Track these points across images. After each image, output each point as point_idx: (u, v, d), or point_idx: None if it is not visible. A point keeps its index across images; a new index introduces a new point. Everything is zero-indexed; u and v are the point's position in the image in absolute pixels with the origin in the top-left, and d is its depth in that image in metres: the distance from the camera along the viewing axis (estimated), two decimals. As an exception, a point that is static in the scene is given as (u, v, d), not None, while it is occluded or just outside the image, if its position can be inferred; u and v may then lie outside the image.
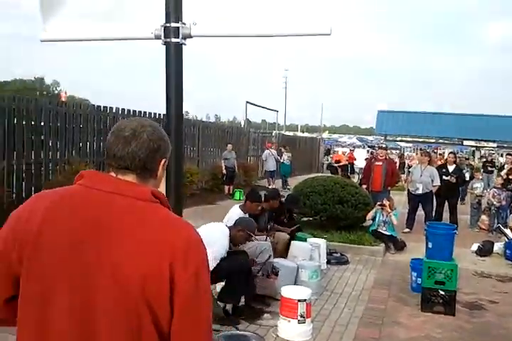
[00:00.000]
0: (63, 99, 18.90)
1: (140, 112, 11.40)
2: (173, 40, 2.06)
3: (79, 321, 1.15)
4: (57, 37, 2.33)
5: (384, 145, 10.44)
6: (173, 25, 2.04)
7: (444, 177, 9.47)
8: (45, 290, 1.17)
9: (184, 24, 2.05)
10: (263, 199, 6.23)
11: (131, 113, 11.12)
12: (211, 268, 4.12)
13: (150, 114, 11.78)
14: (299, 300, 4.12)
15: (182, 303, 1.19)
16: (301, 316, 4.12)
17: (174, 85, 2.56)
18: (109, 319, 1.16)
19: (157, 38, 2.09)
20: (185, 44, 2.11)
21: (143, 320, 1.16)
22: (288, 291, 4.23)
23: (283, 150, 17.30)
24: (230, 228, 4.52)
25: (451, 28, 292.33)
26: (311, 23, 2.02)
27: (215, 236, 4.32)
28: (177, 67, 2.27)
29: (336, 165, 21.17)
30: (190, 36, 2.09)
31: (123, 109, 10.95)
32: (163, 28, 2.05)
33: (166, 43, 2.08)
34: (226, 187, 13.41)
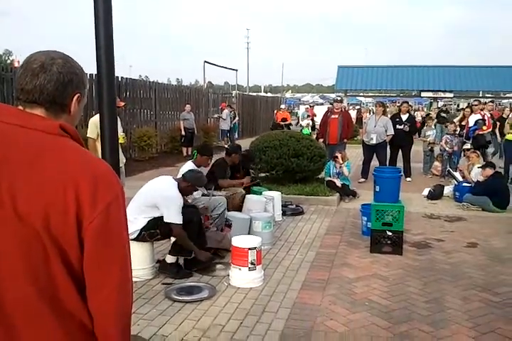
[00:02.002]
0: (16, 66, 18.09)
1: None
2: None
3: None
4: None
5: (339, 99, 10.40)
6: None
7: (397, 126, 9.60)
8: None
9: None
10: (225, 153, 6.49)
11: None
12: (179, 219, 4.15)
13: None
14: (249, 249, 4.18)
15: (91, 243, 1.16)
16: (252, 263, 4.19)
17: (103, 23, 2.49)
18: (10, 252, 1.12)
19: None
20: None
21: (49, 256, 1.14)
22: (238, 240, 4.28)
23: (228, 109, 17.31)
24: (178, 181, 4.48)
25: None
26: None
27: (169, 190, 4.29)
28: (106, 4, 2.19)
29: (282, 123, 19.47)
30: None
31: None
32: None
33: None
34: (184, 149, 13.28)
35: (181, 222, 4.18)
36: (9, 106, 1.23)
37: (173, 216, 4.17)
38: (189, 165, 5.50)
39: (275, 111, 22.35)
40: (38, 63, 1.21)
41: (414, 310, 3.71)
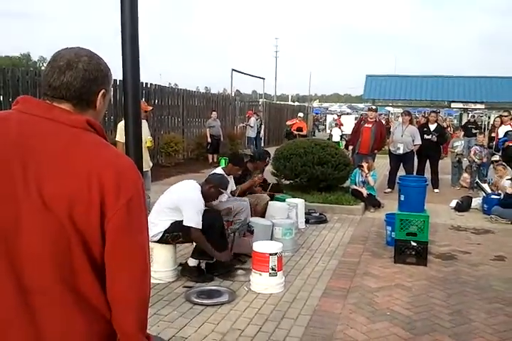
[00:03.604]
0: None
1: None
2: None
3: (5, 242, 1.15)
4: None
5: (374, 107, 10.25)
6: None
7: (425, 136, 9.47)
8: None
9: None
10: (252, 159, 6.46)
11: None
12: (198, 223, 4.16)
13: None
14: (270, 254, 4.18)
15: (113, 233, 1.19)
16: (272, 269, 4.18)
17: (129, 24, 2.54)
18: (36, 239, 1.16)
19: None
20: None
21: (73, 245, 1.17)
22: (260, 246, 4.29)
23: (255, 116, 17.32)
24: (201, 185, 4.53)
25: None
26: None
27: (190, 192, 4.35)
28: (132, 14, 2.25)
29: (297, 132, 16.98)
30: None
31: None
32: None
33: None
34: (210, 156, 13.38)
35: (200, 226, 4.20)
36: (39, 100, 1.28)
37: (192, 219, 4.20)
38: (218, 171, 5.53)
39: (293, 120, 19.83)
40: (65, 60, 1.25)
41: (437, 321, 3.64)
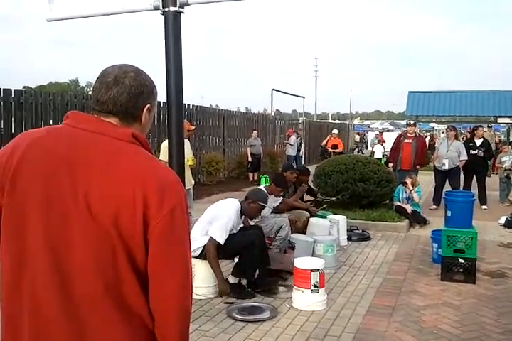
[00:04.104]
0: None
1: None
2: (171, 8, 2.16)
3: (53, 251, 1.20)
4: (62, 15, 2.49)
5: (412, 122, 10.06)
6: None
7: (471, 151, 9.21)
8: (22, 223, 1.22)
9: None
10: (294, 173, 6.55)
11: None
12: (220, 236, 4.21)
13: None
14: (311, 270, 4.13)
15: (156, 242, 1.22)
16: (315, 286, 4.13)
17: (173, 57, 2.65)
18: (82, 248, 1.20)
19: (156, 8, 2.20)
20: (183, 12, 2.21)
21: (117, 253, 1.20)
22: (301, 262, 4.25)
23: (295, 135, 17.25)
24: (241, 202, 4.57)
25: (489, 8, 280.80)
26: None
27: (223, 210, 4.42)
28: (175, 38, 2.35)
29: (331, 150, 16.31)
30: (187, 4, 2.19)
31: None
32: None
33: (164, 13, 2.18)
34: (251, 175, 13.45)
35: (221, 241, 4.23)
36: (88, 114, 1.34)
37: (216, 230, 4.25)
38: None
39: (327, 137, 18.69)
40: (112, 76, 1.31)
41: (487, 340, 3.48)
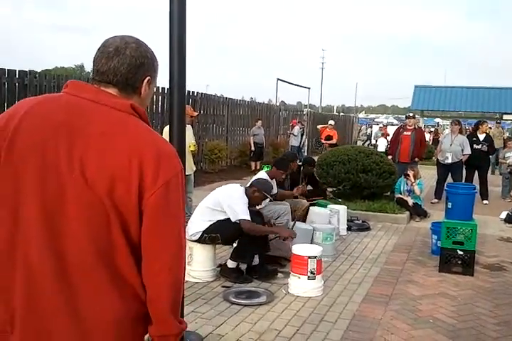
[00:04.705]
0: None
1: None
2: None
3: (47, 219, 1.19)
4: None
5: (411, 114, 10.02)
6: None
7: (474, 145, 9.16)
8: (17, 191, 1.21)
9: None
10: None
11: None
12: (246, 214, 4.20)
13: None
14: (309, 257, 4.13)
15: (150, 213, 1.22)
16: (311, 272, 4.13)
17: (177, 36, 2.62)
18: (76, 216, 1.19)
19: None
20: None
21: (111, 223, 1.20)
22: (299, 249, 4.25)
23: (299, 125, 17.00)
24: (246, 188, 4.55)
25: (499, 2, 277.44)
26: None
27: (234, 191, 4.41)
28: (180, 18, 2.32)
29: (325, 141, 15.67)
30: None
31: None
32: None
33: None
34: (253, 163, 13.41)
35: (249, 218, 4.21)
36: (87, 84, 1.32)
37: (240, 213, 4.21)
38: (262, 175, 5.55)
39: (320, 127, 18.08)
40: (113, 47, 1.29)
41: (482, 331, 3.48)
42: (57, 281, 1.19)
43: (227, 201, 4.28)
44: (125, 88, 1.32)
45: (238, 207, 4.25)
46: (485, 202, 9.15)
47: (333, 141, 15.70)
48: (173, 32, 2.56)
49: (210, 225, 4.32)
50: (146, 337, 1.33)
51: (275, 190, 5.70)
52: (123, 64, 1.29)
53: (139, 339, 1.31)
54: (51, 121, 1.23)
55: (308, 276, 4.12)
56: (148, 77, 1.35)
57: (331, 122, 17.13)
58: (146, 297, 1.26)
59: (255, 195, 4.54)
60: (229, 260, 4.51)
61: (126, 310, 1.24)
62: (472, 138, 9.38)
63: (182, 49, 2.74)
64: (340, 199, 7.39)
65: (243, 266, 4.57)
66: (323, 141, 15.64)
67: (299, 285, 4.14)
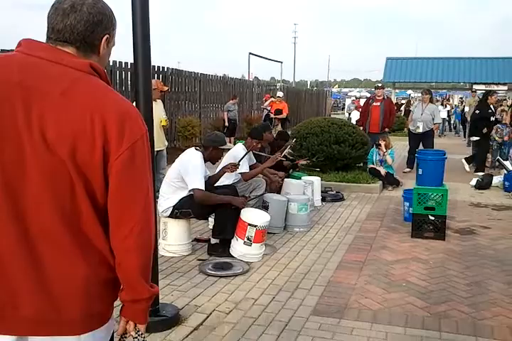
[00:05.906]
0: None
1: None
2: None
3: (7, 184, 1.15)
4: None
5: (380, 85, 10.06)
6: None
7: (491, 118, 9.19)
8: None
9: None
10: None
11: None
12: (201, 184, 4.12)
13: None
14: (249, 224, 4.16)
15: (116, 177, 1.18)
16: (248, 239, 4.17)
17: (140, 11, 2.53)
18: (37, 180, 1.15)
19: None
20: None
21: (75, 186, 1.16)
22: (246, 214, 4.26)
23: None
24: (201, 152, 4.45)
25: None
26: None
27: (190, 158, 4.31)
28: None
29: (274, 116, 14.20)
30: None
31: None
32: None
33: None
34: (227, 139, 13.30)
35: (203, 187, 4.14)
36: (43, 42, 1.25)
37: (194, 181, 4.13)
38: (239, 147, 5.49)
39: (267, 101, 15.95)
40: (69, 3, 1.23)
41: (453, 291, 3.58)
42: (20, 245, 1.16)
43: (185, 171, 4.21)
44: (83, 47, 1.26)
45: (191, 176, 4.17)
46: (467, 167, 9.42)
47: (283, 115, 14.29)
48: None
49: (180, 200, 4.26)
50: (120, 332, 1.32)
51: (253, 161, 5.67)
52: (80, 21, 1.23)
53: (108, 304, 1.29)
54: (5, 82, 1.16)
55: (245, 241, 4.18)
56: (106, 35, 1.29)
57: (280, 94, 15.31)
58: (115, 262, 1.24)
59: (213, 153, 4.48)
60: (211, 238, 4.50)
61: (94, 275, 1.22)
62: (488, 110, 9.32)
63: (146, 19, 2.66)
64: (318, 169, 7.38)
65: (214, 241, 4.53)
66: (272, 116, 14.27)
67: (237, 248, 4.22)
